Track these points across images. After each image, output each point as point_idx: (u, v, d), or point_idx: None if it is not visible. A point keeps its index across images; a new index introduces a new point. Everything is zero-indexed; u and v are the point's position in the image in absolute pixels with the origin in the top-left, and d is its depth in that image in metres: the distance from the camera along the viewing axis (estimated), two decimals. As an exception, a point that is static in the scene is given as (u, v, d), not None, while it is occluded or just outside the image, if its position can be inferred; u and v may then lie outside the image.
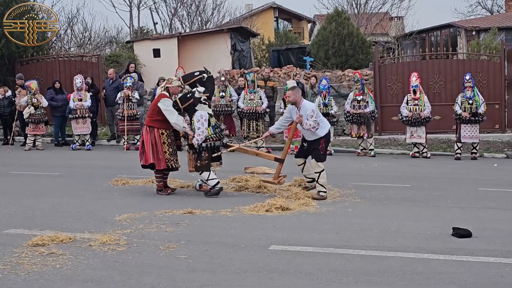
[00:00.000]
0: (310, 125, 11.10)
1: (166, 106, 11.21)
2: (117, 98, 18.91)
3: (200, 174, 11.34)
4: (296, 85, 18.47)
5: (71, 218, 9.33)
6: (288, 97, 11.78)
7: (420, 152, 17.62)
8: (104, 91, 20.28)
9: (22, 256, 7.13)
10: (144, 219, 9.14)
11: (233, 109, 18.98)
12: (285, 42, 37.49)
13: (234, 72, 26.67)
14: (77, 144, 18.96)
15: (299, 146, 12.29)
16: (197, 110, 11.15)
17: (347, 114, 18.00)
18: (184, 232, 8.43)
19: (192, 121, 11.17)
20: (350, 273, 6.55)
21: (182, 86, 11.79)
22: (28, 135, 19.19)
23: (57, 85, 20.10)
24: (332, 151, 18.14)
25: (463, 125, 17.33)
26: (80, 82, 19.20)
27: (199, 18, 42.68)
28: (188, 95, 11.32)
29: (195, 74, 11.94)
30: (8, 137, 20.20)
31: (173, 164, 11.41)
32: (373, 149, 17.92)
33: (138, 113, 18.99)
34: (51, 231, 8.33)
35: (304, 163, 11.73)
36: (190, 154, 11.61)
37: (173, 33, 35.26)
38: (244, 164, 14.59)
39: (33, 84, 19.31)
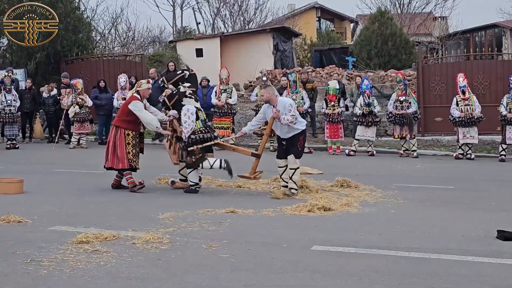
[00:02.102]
0: (288, 119, 11.11)
1: (137, 108, 11.45)
2: (159, 97, 19.01)
3: (189, 173, 11.41)
4: (337, 84, 18.51)
5: (114, 216, 9.44)
6: (261, 95, 11.82)
7: (465, 154, 17.43)
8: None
9: (67, 253, 7.21)
10: (187, 218, 9.19)
11: (275, 109, 18.95)
12: (327, 42, 37.43)
13: (276, 72, 26.69)
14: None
15: (277, 147, 12.14)
16: (184, 105, 11.25)
17: (390, 115, 17.89)
18: (227, 231, 8.46)
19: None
20: (393, 275, 6.51)
21: (166, 86, 11.92)
22: (73, 134, 19.43)
23: (101, 84, 20.36)
24: (375, 152, 18.05)
25: (508, 127, 17.11)
26: (124, 81, 19.41)
27: (242, 18, 42.80)
28: (174, 92, 11.52)
29: (178, 73, 12.25)
30: (54, 135, 20.48)
31: (135, 165, 11.60)
32: (415, 150, 17.78)
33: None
34: (95, 228, 8.41)
35: (287, 166, 11.46)
36: (174, 147, 11.72)
37: (216, 33, 35.43)
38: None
39: (79, 83, 19.56)
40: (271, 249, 7.52)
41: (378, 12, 30.77)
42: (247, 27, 40.63)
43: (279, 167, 11.58)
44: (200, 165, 11.35)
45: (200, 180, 11.66)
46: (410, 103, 17.68)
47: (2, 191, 11.19)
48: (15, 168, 14.54)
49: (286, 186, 11.43)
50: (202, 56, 28.73)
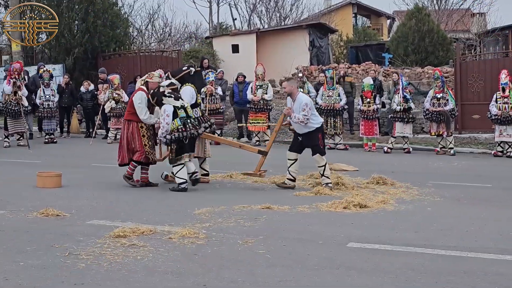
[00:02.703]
0: (299, 118, 11.23)
1: (139, 100, 11.44)
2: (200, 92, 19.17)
3: (173, 167, 11.38)
4: (373, 81, 18.42)
5: (151, 210, 9.51)
6: (284, 88, 11.86)
7: (504, 152, 17.22)
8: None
9: (105, 247, 7.29)
10: (222, 213, 9.23)
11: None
12: (364, 38, 37.24)
13: (312, 68, 26.64)
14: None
15: (292, 140, 12.18)
16: (163, 104, 11.22)
17: (427, 112, 17.73)
18: (263, 227, 8.48)
19: None
20: (429, 273, 6.47)
21: (175, 82, 11.87)
22: (110, 129, 19.59)
23: (138, 79, 20.46)
24: (411, 149, 17.92)
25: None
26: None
27: (278, 14, 42.77)
28: (155, 90, 11.46)
29: (183, 68, 12.23)
30: (91, 130, 20.66)
31: (152, 157, 11.63)
32: (452, 148, 17.61)
33: (222, 107, 19.25)
34: (132, 223, 8.50)
35: (296, 160, 11.66)
36: (160, 143, 11.85)
37: (252, 29, 35.45)
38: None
39: (116, 79, 19.70)
40: (306, 246, 7.52)
41: (415, 8, 30.53)
42: (283, 23, 40.60)
43: (288, 159, 11.72)
44: (173, 166, 11.33)
45: (197, 175, 11.58)
46: (447, 100, 17.51)
47: (41, 185, 11.33)
48: (53, 162, 14.72)
49: (291, 179, 11.67)
50: (238, 52, 28.75)
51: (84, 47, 24.54)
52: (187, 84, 11.93)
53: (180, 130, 11.06)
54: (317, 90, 18.87)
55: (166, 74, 12.23)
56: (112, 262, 6.71)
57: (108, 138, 19.66)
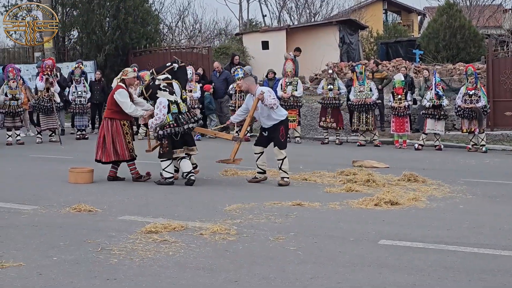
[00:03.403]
0: (271, 102, 11.31)
1: (121, 97, 11.49)
2: (229, 89, 19.23)
3: (161, 161, 11.38)
4: (404, 78, 18.30)
5: (182, 206, 9.55)
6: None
7: (535, 149, 17.07)
8: (213, 83, 20.57)
9: (136, 243, 7.34)
10: (253, 210, 9.24)
11: (341, 102, 18.88)
12: (394, 34, 37.01)
13: (342, 64, 26.55)
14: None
15: (258, 135, 12.25)
16: (158, 97, 11.28)
17: (458, 109, 17.59)
18: (293, 224, 8.47)
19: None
20: (462, 271, 6.42)
21: (155, 77, 11.87)
22: (141, 125, 19.66)
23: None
24: (442, 146, 17.81)
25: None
26: (190, 73, 19.52)
27: (308, 11, 42.76)
28: (150, 83, 11.59)
29: (167, 65, 12.25)
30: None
31: (134, 154, 11.75)
32: (484, 145, 17.46)
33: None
34: (164, 218, 8.53)
35: (262, 153, 11.77)
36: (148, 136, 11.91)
37: (282, 25, 35.41)
38: (351, 158, 14.52)
39: (146, 75, 19.68)
40: (338, 243, 7.51)
41: (447, 4, 30.26)
42: (313, 20, 40.54)
43: (254, 153, 11.84)
44: (161, 160, 11.37)
45: (192, 171, 11.58)
46: (479, 97, 17.36)
47: (73, 181, 11.43)
48: (85, 158, 14.80)
49: (261, 172, 11.85)
50: (268, 48, 28.76)
51: (115, 43, 24.70)
52: (171, 80, 12.02)
53: (171, 125, 11.16)
54: (348, 87, 18.83)
55: (151, 71, 12.31)
56: (144, 258, 6.75)
57: (139, 134, 19.74)
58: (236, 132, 18.49)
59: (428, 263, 6.67)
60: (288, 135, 18.63)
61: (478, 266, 6.63)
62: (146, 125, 12.09)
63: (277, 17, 42.94)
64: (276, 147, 11.59)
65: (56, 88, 18.27)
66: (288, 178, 11.59)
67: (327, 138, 18.95)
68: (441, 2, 34.91)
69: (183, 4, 63.37)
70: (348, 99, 18.65)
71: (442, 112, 17.66)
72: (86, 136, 19.38)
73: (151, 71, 12.30)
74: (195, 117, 11.89)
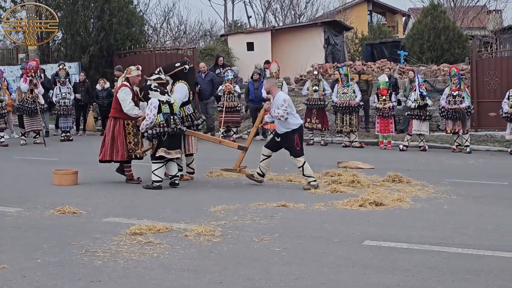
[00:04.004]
0: (279, 113, 11.23)
1: (124, 95, 11.50)
2: (218, 90, 19.24)
3: (152, 163, 11.36)
4: (388, 79, 18.36)
5: (167, 208, 9.54)
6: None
7: (519, 149, 17.15)
8: (198, 85, 20.53)
9: (121, 244, 7.33)
10: (238, 211, 9.25)
11: (326, 103, 18.90)
12: (379, 36, 37.14)
13: (327, 66, 26.59)
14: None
15: (271, 138, 12.18)
16: (150, 97, 11.29)
17: (442, 110, 17.66)
18: (278, 225, 8.48)
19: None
20: (446, 271, 6.45)
21: (146, 78, 11.92)
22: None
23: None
24: (427, 147, 17.88)
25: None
26: (175, 74, 19.54)
27: (293, 12, 42.80)
28: (144, 84, 11.58)
29: (176, 65, 12.20)
30: (106, 128, 20.71)
31: (136, 155, 11.68)
32: (468, 145, 17.54)
33: (239, 105, 19.29)
34: (148, 220, 8.52)
35: (269, 157, 11.70)
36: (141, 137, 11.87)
37: (267, 26, 35.47)
38: (336, 158, 14.55)
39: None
40: (322, 244, 7.52)
41: (431, 5, 30.38)
42: (298, 21, 40.59)
43: (262, 154, 11.75)
44: (153, 162, 11.33)
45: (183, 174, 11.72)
46: (463, 97, 17.43)
47: (57, 183, 11.40)
48: (69, 160, 14.78)
49: (261, 174, 11.76)
50: (253, 49, 28.76)
51: (100, 45, 24.60)
52: (180, 81, 12.01)
53: (161, 125, 11.14)
54: (332, 87, 18.85)
55: (158, 70, 12.26)
56: (128, 260, 6.74)
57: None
58: (223, 134, 18.54)
59: (413, 264, 6.69)
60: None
61: (462, 266, 6.66)
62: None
63: (262, 18, 43.01)
64: (292, 156, 11.50)
65: (40, 90, 18.19)
66: (315, 181, 11.42)
67: (312, 139, 18.97)
68: (425, 3, 35.07)
69: (168, 5, 63.39)
70: (332, 101, 18.66)
71: (427, 113, 17.73)
72: (71, 138, 19.32)
73: (158, 69, 12.28)
74: (201, 119, 11.99)
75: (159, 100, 11.15)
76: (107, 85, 20.99)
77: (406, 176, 12.23)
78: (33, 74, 17.95)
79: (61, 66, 19.85)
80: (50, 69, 22.59)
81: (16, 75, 23.68)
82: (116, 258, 6.79)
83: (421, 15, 30.76)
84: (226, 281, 6.10)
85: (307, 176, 11.41)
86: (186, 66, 12.06)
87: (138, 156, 11.73)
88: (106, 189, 11.11)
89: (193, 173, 12.29)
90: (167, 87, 11.81)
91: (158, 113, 11.10)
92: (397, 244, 7.50)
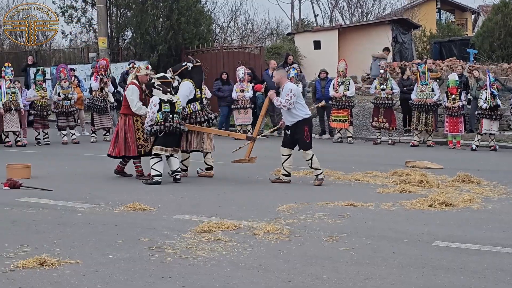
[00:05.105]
0: (281, 102, 11.23)
1: (130, 93, 11.67)
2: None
3: (150, 158, 11.46)
4: (457, 77, 18.09)
5: (235, 206, 9.60)
6: (273, 76, 11.76)
7: None
8: (265, 82, 20.58)
9: (190, 242, 7.41)
10: (306, 210, 9.24)
11: (394, 102, 18.73)
12: (447, 33, 36.57)
13: (394, 64, 26.32)
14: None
15: (283, 134, 12.06)
16: (153, 95, 11.43)
17: (514, 109, 17.33)
18: (346, 224, 8.45)
19: None
20: (519, 274, 6.34)
21: (173, 77, 12.10)
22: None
23: (224, 76, 20.71)
24: (497, 147, 17.54)
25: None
26: (242, 73, 19.68)
27: (360, 10, 42.46)
28: (148, 82, 11.73)
29: (182, 64, 12.43)
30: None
31: (145, 150, 11.76)
32: (540, 146, 17.17)
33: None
34: (217, 218, 8.59)
35: (289, 155, 11.63)
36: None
37: (334, 25, 35.27)
38: (404, 158, 14.40)
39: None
40: (391, 244, 7.46)
41: (502, 2, 29.76)
42: (365, 19, 40.28)
43: (282, 154, 11.69)
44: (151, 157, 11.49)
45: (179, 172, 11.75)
46: (537, 96, 17.07)
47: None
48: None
49: (286, 175, 11.68)
50: (320, 48, 28.64)
51: (168, 44, 24.89)
52: (185, 79, 12.18)
53: (159, 124, 11.32)
54: (405, 87, 18.69)
55: (168, 70, 12.50)
56: (198, 257, 6.81)
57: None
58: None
59: (484, 265, 6.59)
60: (340, 135, 18.71)
61: (536, 269, 6.52)
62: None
63: (329, 17, 42.78)
64: (301, 149, 11.52)
65: (110, 88, 18.52)
66: (321, 173, 11.49)
67: (380, 138, 18.83)
68: (496, 0, 34.40)
69: (235, 4, 63.72)
70: (409, 98, 18.39)
71: (498, 112, 17.39)
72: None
73: (168, 70, 12.52)
74: (208, 115, 12.16)
75: (160, 99, 11.35)
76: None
77: (476, 176, 12.02)
78: (103, 73, 18.30)
79: (131, 65, 20.15)
80: (120, 68, 22.94)
81: (87, 73, 24.15)
82: (185, 255, 6.87)
83: (491, 13, 30.18)
84: (295, 280, 6.11)
85: (315, 169, 11.44)
86: (190, 65, 12.29)
87: (147, 152, 11.85)
88: (175, 187, 11.23)
89: (211, 168, 12.38)
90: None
91: (158, 111, 11.31)
92: (468, 246, 7.38)
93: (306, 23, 40.92)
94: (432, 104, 17.84)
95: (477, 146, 17.41)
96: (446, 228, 8.29)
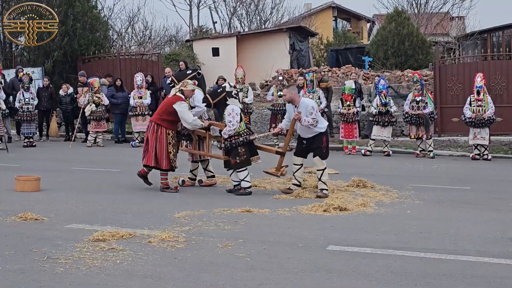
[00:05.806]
0: (309, 122, 11.14)
1: (182, 108, 11.34)
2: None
3: (233, 171, 11.36)
4: (353, 84, 18.47)
5: (130, 214, 9.47)
6: (284, 95, 11.75)
7: (481, 154, 17.33)
8: (163, 90, 20.48)
9: (84, 251, 7.25)
10: (202, 217, 9.21)
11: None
12: (344, 41, 37.36)
13: (292, 71, 26.67)
14: (137, 141, 19.17)
15: (296, 144, 12.03)
16: (228, 104, 11.29)
17: (406, 115, 17.82)
18: (242, 230, 8.46)
19: (224, 116, 11.32)
20: (409, 276, 6.49)
21: (176, 85, 11.92)
22: (90, 132, 19.52)
23: (118, 83, 20.46)
24: (391, 152, 17.99)
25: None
26: (140, 80, 19.51)
27: (258, 17, 42.85)
28: (219, 90, 11.55)
29: (188, 72, 12.28)
30: (70, 134, 20.58)
31: (174, 165, 11.53)
32: (432, 151, 17.72)
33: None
34: (112, 226, 8.45)
35: (302, 165, 11.63)
36: (194, 143, 11.92)
37: (232, 32, 35.49)
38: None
39: (96, 82, 19.66)
40: (286, 249, 7.52)
41: (395, 11, 30.70)
42: (263, 27, 40.67)
43: (294, 164, 11.61)
44: (233, 170, 11.35)
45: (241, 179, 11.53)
46: (426, 103, 17.62)
47: (19, 189, 11.25)
48: (32, 166, 14.61)
49: (297, 185, 11.54)
50: (218, 55, 28.76)
51: (64, 50, 24.37)
52: (197, 88, 11.99)
53: (245, 133, 11.25)
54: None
55: (170, 78, 12.23)
56: (91, 267, 6.66)
57: (87, 141, 19.58)
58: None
59: (376, 268, 6.72)
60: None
61: (425, 270, 6.70)
62: (178, 132, 11.84)
63: (228, 24, 43.03)
64: (318, 157, 11.32)
65: (1, 95, 17.99)
66: (327, 190, 11.25)
67: (277, 145, 18.99)
68: (389, 9, 35.39)
69: (133, 10, 63.05)
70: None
71: (387, 119, 17.81)
72: (34, 144, 19.13)
73: (170, 78, 12.19)
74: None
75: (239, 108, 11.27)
76: (71, 90, 20.86)
77: (370, 181, 12.29)
78: (-6, 80, 17.77)
79: (21, 71, 19.68)
80: (13, 75, 22.34)
81: (-23, 80, 23.38)
82: (78, 265, 6.72)
83: (385, 21, 31.07)
84: (189, 288, 6.08)
85: (323, 182, 11.25)
86: (200, 72, 12.12)
87: (175, 167, 11.54)
88: (69, 195, 10.98)
89: (213, 176, 12.30)
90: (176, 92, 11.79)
91: (240, 120, 11.18)
92: (361, 249, 7.52)
93: (204, 30, 40.97)
94: (320, 111, 18.09)
95: (369, 151, 17.81)
96: (340, 232, 8.42)
